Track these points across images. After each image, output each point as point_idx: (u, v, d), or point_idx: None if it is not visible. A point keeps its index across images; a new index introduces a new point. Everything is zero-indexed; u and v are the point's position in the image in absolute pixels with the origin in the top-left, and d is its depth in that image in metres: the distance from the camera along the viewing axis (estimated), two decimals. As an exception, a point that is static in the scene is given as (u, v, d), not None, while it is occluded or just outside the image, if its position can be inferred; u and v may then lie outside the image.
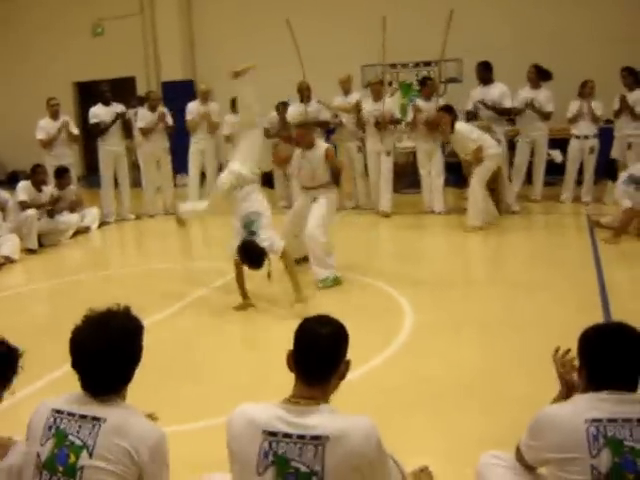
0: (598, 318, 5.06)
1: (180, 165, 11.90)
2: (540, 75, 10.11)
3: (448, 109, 9.01)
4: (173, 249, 9.43)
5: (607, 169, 9.64)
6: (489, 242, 8.55)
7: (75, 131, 10.84)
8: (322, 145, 6.98)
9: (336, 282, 6.62)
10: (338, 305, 5.83)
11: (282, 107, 11.09)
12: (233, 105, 10.78)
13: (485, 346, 5.00)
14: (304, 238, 6.68)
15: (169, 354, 5.02)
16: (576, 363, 2.67)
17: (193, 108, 11.34)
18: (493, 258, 8.14)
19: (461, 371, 4.51)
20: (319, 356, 2.36)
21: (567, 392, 2.79)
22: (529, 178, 10.57)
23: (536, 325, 5.29)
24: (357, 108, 10.27)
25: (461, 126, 8.90)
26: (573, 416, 2.41)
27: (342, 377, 2.44)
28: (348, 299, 6.24)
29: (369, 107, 10.25)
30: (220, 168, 11.75)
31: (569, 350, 2.77)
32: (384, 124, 10.05)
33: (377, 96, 10.21)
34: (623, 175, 8.25)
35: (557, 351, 2.86)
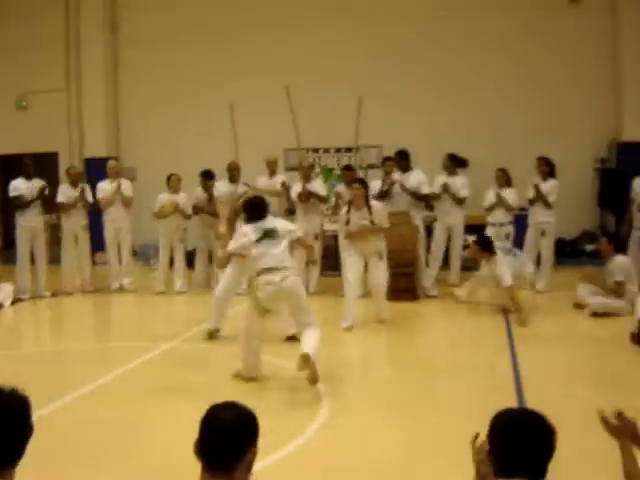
0: (512, 402, 5.16)
1: (100, 243, 11.74)
2: (455, 162, 10.51)
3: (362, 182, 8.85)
4: (89, 329, 9.21)
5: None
6: (406, 325, 8.61)
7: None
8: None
9: None
10: (252, 392, 5.77)
11: (207, 181, 11.10)
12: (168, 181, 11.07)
13: (402, 430, 4.99)
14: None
15: (77, 437, 4.85)
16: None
17: (104, 186, 11.28)
18: (411, 341, 8.18)
19: (376, 456, 4.48)
20: (220, 442, 2.31)
21: (629, 444, 2.83)
22: (446, 263, 10.85)
23: (451, 409, 5.34)
24: (285, 187, 10.41)
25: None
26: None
27: (249, 467, 2.36)
28: (262, 385, 6.15)
29: (297, 188, 10.45)
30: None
31: (478, 434, 2.79)
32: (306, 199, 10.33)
33: (307, 178, 10.51)
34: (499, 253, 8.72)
35: (476, 437, 2.90)
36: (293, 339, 7.00)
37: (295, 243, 6.30)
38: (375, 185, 10.18)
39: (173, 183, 11.14)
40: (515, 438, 2.48)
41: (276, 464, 4.27)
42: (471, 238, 10.03)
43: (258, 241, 5.96)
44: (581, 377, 6.19)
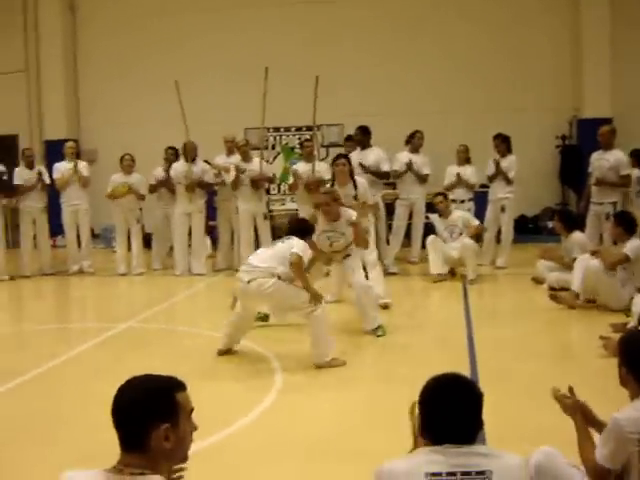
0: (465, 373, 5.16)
1: (60, 226, 11.57)
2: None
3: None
4: (46, 311, 9.10)
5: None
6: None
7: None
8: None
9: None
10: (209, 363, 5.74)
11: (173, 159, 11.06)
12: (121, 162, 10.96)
13: (347, 402, 5.00)
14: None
15: (29, 417, 4.79)
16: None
17: (60, 166, 11.12)
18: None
19: (323, 427, 4.49)
20: (120, 418, 2.25)
21: (581, 417, 2.96)
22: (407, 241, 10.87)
23: (403, 381, 5.33)
24: (237, 168, 10.32)
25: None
26: (412, 471, 2.41)
27: (162, 444, 2.22)
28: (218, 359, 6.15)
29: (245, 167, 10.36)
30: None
31: (415, 402, 2.78)
32: (259, 183, 10.21)
33: (246, 157, 10.42)
34: None
35: (414, 406, 2.89)
36: None
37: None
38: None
39: (126, 163, 10.99)
40: (443, 401, 2.48)
41: (229, 435, 4.29)
42: (432, 215, 10.09)
43: None
44: (532, 350, 6.22)
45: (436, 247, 9.41)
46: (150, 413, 2.24)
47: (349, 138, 10.90)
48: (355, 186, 7.92)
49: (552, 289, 8.30)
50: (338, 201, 6.99)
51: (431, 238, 9.57)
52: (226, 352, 6.25)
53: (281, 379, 5.56)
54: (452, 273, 9.62)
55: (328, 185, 8.16)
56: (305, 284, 5.84)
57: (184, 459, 2.35)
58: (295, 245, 5.90)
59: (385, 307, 7.73)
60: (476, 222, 9.70)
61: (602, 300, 7.49)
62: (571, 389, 2.96)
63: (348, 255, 6.99)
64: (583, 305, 7.58)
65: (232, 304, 6.11)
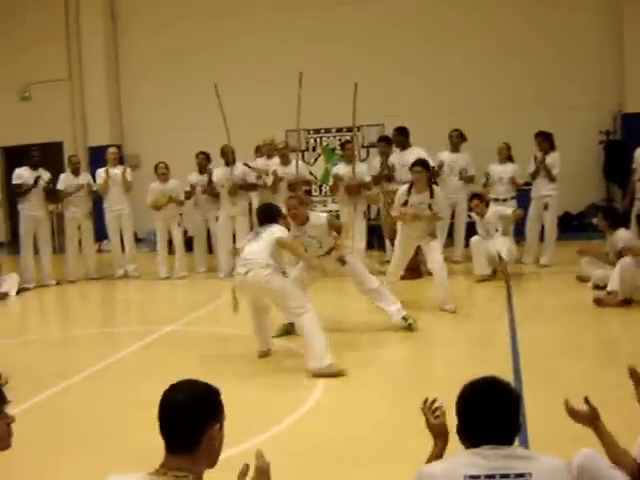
0: (507, 375, 5.13)
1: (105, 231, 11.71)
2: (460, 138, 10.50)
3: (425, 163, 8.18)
4: (92, 315, 9.24)
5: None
6: (409, 305, 8.48)
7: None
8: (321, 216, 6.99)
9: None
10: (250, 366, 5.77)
11: (206, 163, 11.14)
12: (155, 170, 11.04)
13: (391, 404, 4.98)
14: None
15: (69, 422, 4.88)
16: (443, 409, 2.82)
17: (102, 172, 11.27)
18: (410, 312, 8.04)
19: (364, 431, 4.48)
20: (173, 422, 2.28)
21: (443, 442, 2.85)
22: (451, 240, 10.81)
23: (445, 382, 5.30)
24: (275, 174, 10.32)
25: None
26: (451, 473, 2.41)
27: (212, 446, 2.29)
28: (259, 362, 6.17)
29: (280, 171, 10.39)
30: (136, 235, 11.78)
31: (435, 400, 2.91)
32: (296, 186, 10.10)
33: (285, 161, 10.47)
34: None
35: (425, 403, 2.89)
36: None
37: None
38: (375, 164, 10.21)
39: (161, 172, 11.06)
40: (482, 405, 2.49)
41: (268, 440, 4.28)
42: (473, 215, 10.01)
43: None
44: (577, 351, 6.13)
45: (479, 248, 9.33)
46: (207, 413, 2.31)
47: (382, 139, 10.86)
48: (432, 194, 7.72)
49: (597, 287, 8.18)
50: (304, 205, 6.95)
51: (475, 239, 9.50)
52: (266, 354, 6.29)
53: (320, 382, 5.54)
54: (495, 272, 9.51)
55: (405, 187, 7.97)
56: (300, 254, 6.33)
57: (214, 464, 2.37)
58: (275, 231, 6.10)
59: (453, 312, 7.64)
60: (508, 211, 9.57)
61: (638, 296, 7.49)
62: (586, 399, 2.92)
63: (342, 259, 6.89)
64: (623, 305, 7.47)
65: (234, 305, 6.10)
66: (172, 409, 2.30)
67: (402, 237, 8.06)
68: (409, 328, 6.88)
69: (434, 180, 10.66)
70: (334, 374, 5.61)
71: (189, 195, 11.11)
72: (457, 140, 10.65)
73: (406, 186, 7.89)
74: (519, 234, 10.34)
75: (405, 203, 7.78)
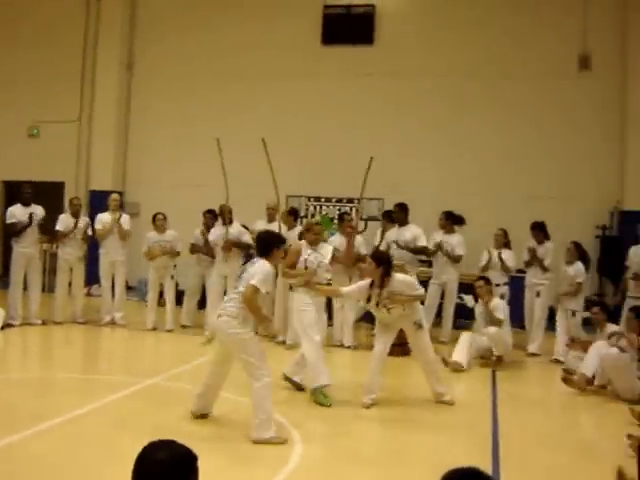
0: (486, 461, 5.11)
1: (96, 275, 11.68)
2: (452, 220, 10.63)
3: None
4: (74, 360, 9.16)
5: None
6: (395, 382, 8.43)
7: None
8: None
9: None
10: (228, 431, 5.70)
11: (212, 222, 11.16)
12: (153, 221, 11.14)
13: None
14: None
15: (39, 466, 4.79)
16: None
17: (103, 217, 11.29)
18: (397, 396, 8.00)
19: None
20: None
21: None
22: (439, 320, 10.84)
23: (421, 464, 5.26)
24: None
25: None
26: None
27: None
28: (237, 427, 6.07)
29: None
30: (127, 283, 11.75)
31: None
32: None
33: (290, 226, 10.58)
34: None
35: None
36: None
37: None
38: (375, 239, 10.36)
39: (159, 223, 11.13)
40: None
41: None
42: (465, 296, 10.03)
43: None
44: (558, 443, 6.09)
45: (468, 342, 9.24)
46: (185, 476, 2.29)
47: (386, 214, 10.99)
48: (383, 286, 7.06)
49: (567, 372, 8.23)
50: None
51: (466, 335, 9.40)
52: (202, 416, 6.18)
53: (300, 449, 5.49)
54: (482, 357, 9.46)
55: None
56: (259, 319, 5.93)
57: None
58: (256, 273, 5.77)
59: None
60: (500, 316, 9.17)
61: (616, 388, 7.57)
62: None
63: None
64: (594, 390, 7.68)
65: (206, 340, 6.11)
66: (151, 467, 2.27)
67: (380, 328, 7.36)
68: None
69: (429, 257, 10.86)
70: (277, 443, 5.58)
71: (194, 250, 11.27)
72: (443, 222, 10.77)
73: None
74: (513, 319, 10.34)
75: (369, 299, 7.17)
